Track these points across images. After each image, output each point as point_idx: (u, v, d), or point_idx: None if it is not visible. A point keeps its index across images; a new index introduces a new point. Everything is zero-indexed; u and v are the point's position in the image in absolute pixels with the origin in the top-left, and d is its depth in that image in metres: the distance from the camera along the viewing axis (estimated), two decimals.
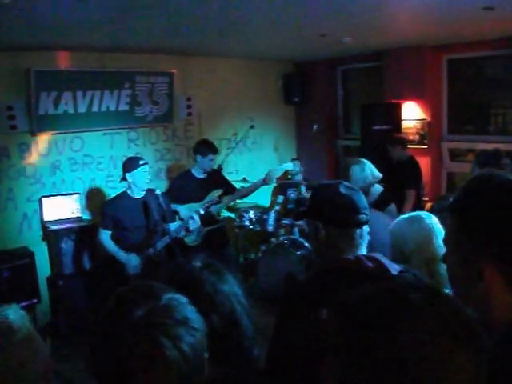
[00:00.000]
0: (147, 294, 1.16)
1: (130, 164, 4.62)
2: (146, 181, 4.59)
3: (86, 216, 5.98)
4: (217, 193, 5.16)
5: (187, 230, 4.86)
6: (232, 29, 5.08)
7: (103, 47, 5.66)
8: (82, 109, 5.87)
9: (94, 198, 6.13)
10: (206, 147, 5.33)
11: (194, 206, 5.09)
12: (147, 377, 1.06)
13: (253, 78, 7.70)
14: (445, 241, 1.28)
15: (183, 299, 1.18)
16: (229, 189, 5.45)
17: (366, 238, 2.07)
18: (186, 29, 4.89)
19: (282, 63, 8.13)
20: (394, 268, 1.99)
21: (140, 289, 1.20)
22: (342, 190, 2.02)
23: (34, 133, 5.59)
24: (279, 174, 5.20)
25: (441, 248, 2.36)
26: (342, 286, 1.94)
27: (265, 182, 5.07)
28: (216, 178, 5.48)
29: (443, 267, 1.40)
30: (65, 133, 5.87)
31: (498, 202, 1.13)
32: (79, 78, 5.77)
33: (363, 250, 2.04)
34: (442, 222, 3.42)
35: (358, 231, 2.02)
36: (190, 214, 4.89)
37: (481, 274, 1.11)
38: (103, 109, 6.06)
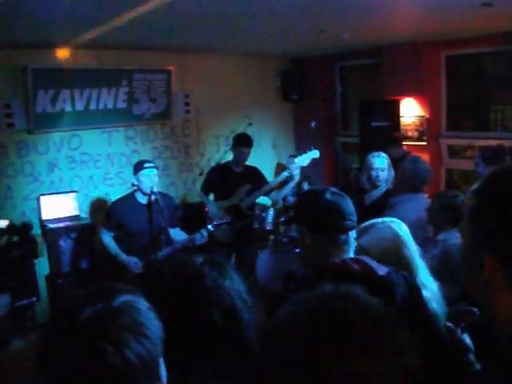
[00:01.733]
0: (101, 295, 1.10)
1: (136, 166, 4.62)
2: (149, 184, 4.50)
3: (84, 214, 5.96)
4: (244, 189, 5.32)
5: (193, 243, 4.75)
6: (229, 26, 5.05)
7: (101, 45, 5.63)
8: (80, 107, 5.86)
9: (91, 195, 6.12)
10: (237, 140, 5.53)
11: (222, 203, 5.15)
12: (84, 380, 1.01)
13: (251, 75, 7.68)
14: (461, 224, 1.28)
15: (142, 304, 1.12)
16: (260, 186, 5.48)
17: (353, 244, 2.09)
18: (183, 26, 4.87)
19: (280, 60, 8.11)
20: (382, 270, 1.99)
21: (96, 289, 1.14)
22: (328, 196, 2.04)
23: (31, 131, 5.57)
24: (306, 163, 5.20)
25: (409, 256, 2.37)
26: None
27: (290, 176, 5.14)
28: (251, 175, 5.54)
29: None
30: (62, 131, 5.85)
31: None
32: (77, 76, 5.76)
33: (351, 255, 2.06)
34: (443, 220, 3.42)
35: (344, 237, 2.04)
36: (217, 214, 5.01)
37: (482, 265, 1.09)
38: (101, 106, 6.04)
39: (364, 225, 2.52)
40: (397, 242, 2.39)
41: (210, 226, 4.79)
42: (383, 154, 4.74)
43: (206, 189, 5.55)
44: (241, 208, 5.31)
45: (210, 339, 1.17)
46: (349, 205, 2.07)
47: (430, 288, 2.34)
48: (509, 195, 1.09)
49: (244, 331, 1.51)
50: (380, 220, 2.56)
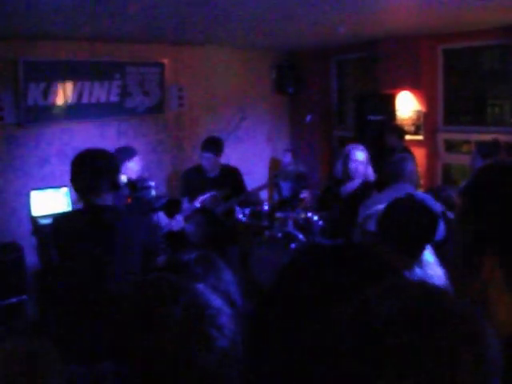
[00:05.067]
0: (174, 287, 1.12)
1: (126, 153, 4.57)
2: (137, 172, 4.53)
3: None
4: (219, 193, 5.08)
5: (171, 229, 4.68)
6: (223, 18, 4.98)
7: (93, 37, 5.55)
8: (72, 100, 5.78)
9: None
10: (201, 144, 5.16)
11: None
12: (201, 372, 1.02)
13: (246, 68, 7.61)
14: (453, 224, 1.25)
15: (202, 286, 1.15)
16: (237, 191, 5.25)
17: None
18: (176, 18, 4.80)
19: (275, 53, 8.04)
20: None
21: (163, 283, 1.15)
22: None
23: (22, 125, 5.48)
24: None
25: None
26: None
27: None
28: (228, 179, 5.22)
29: None
30: (54, 124, 5.77)
31: (508, 192, 1.07)
32: (69, 69, 5.67)
33: None
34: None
35: None
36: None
37: (479, 266, 1.06)
38: (93, 100, 5.97)
39: (369, 211, 2.53)
40: None
41: (196, 204, 4.73)
42: (362, 147, 4.68)
43: (184, 194, 5.23)
44: (214, 212, 5.14)
45: None
46: None
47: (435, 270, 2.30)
48: (502, 193, 1.07)
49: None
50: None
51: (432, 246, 2.32)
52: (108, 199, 2.89)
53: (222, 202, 5.09)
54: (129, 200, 4.24)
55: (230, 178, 5.26)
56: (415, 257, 2.14)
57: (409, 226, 2.11)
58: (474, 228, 1.09)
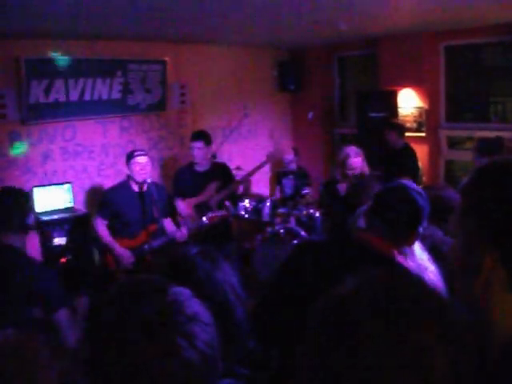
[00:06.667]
0: (153, 287, 1.06)
1: (127, 155, 4.63)
2: (141, 172, 4.49)
3: (78, 206, 5.90)
4: (213, 186, 5.13)
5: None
6: (225, 15, 4.98)
7: (95, 35, 5.56)
8: (74, 97, 5.78)
9: (85, 187, 6.06)
10: (192, 136, 5.22)
11: (191, 201, 5.07)
12: (162, 381, 0.95)
13: (247, 66, 7.61)
14: (453, 223, 1.24)
15: (187, 292, 1.08)
16: (229, 183, 5.33)
17: None
18: (178, 16, 4.80)
19: (276, 50, 8.04)
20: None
21: (143, 282, 1.10)
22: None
23: (24, 122, 5.49)
24: None
25: None
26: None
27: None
28: (219, 173, 5.28)
29: None
30: (56, 121, 5.77)
31: (507, 191, 1.07)
32: (71, 66, 5.67)
33: None
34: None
35: None
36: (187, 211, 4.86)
37: (480, 266, 1.04)
38: (95, 97, 5.97)
39: (357, 211, 2.56)
40: None
41: (204, 219, 4.74)
42: (357, 149, 4.76)
43: (176, 194, 5.26)
44: (210, 205, 5.18)
45: None
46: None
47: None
48: (501, 192, 1.06)
49: (236, 327, 1.48)
50: None
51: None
52: (15, 239, 2.73)
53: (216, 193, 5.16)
54: None
55: (220, 172, 5.33)
56: (404, 241, 2.14)
57: (396, 206, 2.11)
58: (474, 227, 1.08)
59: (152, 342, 0.96)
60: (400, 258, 2.05)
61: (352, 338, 0.79)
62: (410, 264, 2.13)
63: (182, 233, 4.68)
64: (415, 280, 0.90)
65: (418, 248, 2.25)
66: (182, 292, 1.07)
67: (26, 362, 1.26)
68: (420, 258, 2.22)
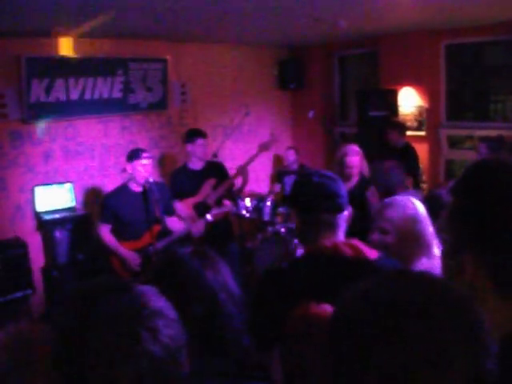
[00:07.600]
0: (116, 285, 1.10)
1: (132, 154, 4.54)
2: (145, 175, 4.43)
3: (80, 205, 5.90)
4: (210, 183, 5.16)
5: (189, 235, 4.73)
6: (225, 14, 4.98)
7: (96, 33, 5.55)
8: (75, 96, 5.77)
9: (87, 186, 6.06)
10: (193, 133, 5.24)
11: (189, 200, 5.06)
12: (124, 373, 0.98)
13: (248, 64, 7.61)
14: (441, 224, 1.25)
15: (153, 289, 1.12)
16: (223, 180, 5.36)
17: (343, 225, 2.08)
18: (178, 14, 4.79)
19: (277, 49, 8.03)
20: (373, 254, 1.99)
21: (107, 281, 1.14)
22: (316, 178, 2.07)
23: (25, 121, 5.49)
24: None
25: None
26: (317, 273, 1.94)
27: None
28: (214, 171, 5.32)
29: None
30: (57, 121, 5.77)
31: (496, 191, 1.07)
32: (71, 65, 5.67)
33: (341, 237, 2.06)
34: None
35: (332, 217, 2.04)
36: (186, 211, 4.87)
37: (463, 265, 1.05)
38: (96, 96, 5.96)
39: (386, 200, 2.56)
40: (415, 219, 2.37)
41: (208, 216, 4.73)
42: (356, 148, 4.79)
43: (173, 196, 5.16)
44: (208, 204, 5.18)
45: (190, 332, 1.14)
46: (337, 187, 2.08)
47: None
48: (486, 193, 1.07)
49: (226, 325, 1.50)
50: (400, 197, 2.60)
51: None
52: None
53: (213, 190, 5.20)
54: None
55: (215, 170, 5.37)
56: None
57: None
58: (460, 227, 1.09)
59: (115, 337, 0.99)
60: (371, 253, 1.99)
61: (376, 336, 0.80)
62: (423, 262, 2.18)
63: (198, 227, 4.66)
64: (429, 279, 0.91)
65: (434, 244, 2.26)
66: (147, 289, 1.11)
67: (34, 357, 1.27)
68: (434, 255, 2.25)
